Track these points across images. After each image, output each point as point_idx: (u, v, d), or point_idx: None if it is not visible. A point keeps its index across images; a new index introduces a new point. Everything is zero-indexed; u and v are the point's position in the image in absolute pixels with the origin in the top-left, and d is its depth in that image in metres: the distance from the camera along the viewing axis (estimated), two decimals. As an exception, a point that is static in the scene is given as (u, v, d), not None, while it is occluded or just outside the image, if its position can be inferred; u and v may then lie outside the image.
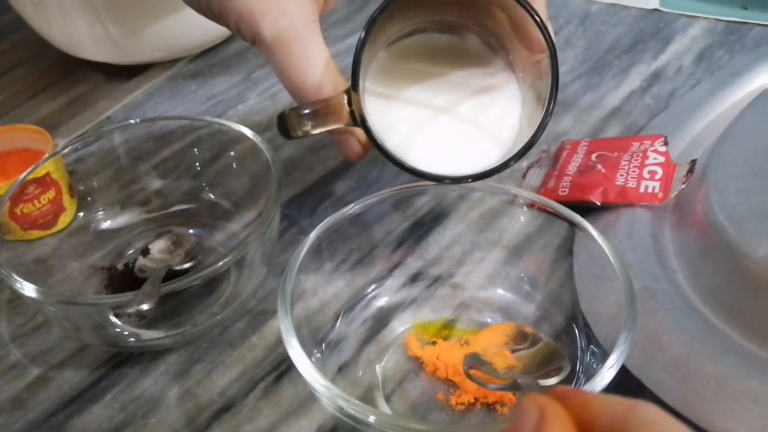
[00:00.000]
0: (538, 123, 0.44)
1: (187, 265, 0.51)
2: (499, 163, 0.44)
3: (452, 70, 0.49)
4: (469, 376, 0.41)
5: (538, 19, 0.42)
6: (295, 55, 0.45)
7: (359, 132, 0.46)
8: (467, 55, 0.49)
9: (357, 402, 0.35)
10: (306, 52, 0.45)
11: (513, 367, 0.42)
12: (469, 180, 0.44)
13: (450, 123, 0.48)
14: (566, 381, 0.41)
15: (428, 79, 0.48)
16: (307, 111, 0.45)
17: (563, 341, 0.44)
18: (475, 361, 0.42)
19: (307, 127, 0.46)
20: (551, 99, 0.44)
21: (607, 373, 0.35)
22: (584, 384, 0.38)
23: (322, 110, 0.45)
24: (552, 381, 0.40)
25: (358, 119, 0.44)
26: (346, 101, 0.44)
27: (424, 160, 0.45)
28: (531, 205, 0.47)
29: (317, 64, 0.45)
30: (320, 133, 0.46)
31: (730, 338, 0.40)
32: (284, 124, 0.46)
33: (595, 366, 0.40)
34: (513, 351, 0.43)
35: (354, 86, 0.43)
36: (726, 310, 0.41)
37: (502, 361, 0.42)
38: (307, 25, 0.46)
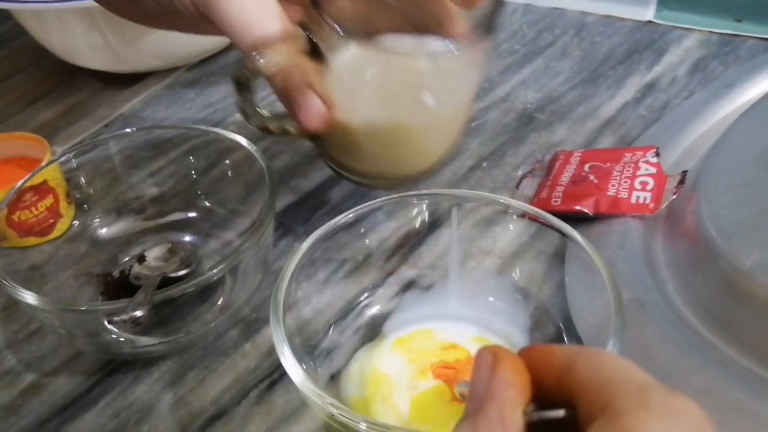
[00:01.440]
0: None
1: (182, 272, 0.51)
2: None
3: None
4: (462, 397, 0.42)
5: None
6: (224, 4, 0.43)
7: (319, 85, 0.44)
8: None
9: (348, 410, 0.35)
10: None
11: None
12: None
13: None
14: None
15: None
16: (254, 52, 0.44)
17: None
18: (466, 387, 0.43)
19: (259, 63, 0.44)
20: None
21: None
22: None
23: (267, 47, 0.43)
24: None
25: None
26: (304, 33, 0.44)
27: None
28: (523, 216, 0.47)
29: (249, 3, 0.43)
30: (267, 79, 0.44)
31: (718, 349, 0.40)
32: (238, 79, 0.46)
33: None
34: None
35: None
36: (715, 321, 0.41)
37: None
38: None
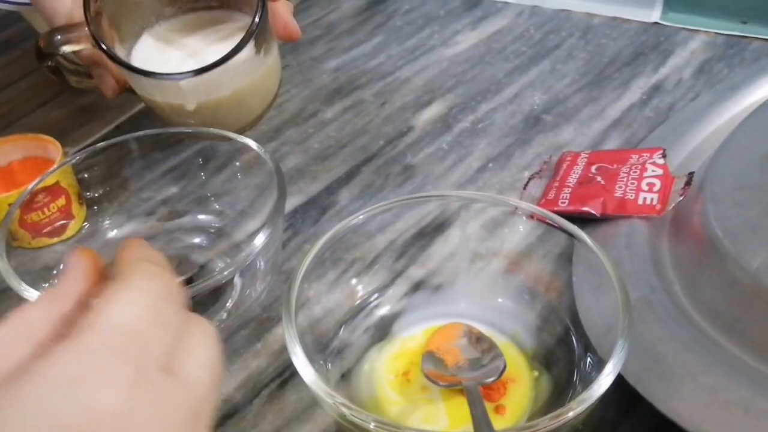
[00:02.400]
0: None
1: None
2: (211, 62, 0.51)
3: (208, 32, 0.58)
4: (425, 375, 0.43)
5: None
6: None
7: (113, 67, 0.55)
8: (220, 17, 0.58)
9: (359, 409, 0.36)
10: None
11: (460, 363, 0.44)
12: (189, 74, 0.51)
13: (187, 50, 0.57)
14: (563, 387, 0.42)
15: (179, 40, 0.58)
16: (57, 34, 0.53)
17: (561, 349, 0.45)
18: (430, 358, 0.44)
19: (55, 47, 0.53)
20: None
21: (603, 381, 0.36)
22: (581, 392, 0.39)
23: (70, 32, 0.53)
24: (491, 379, 0.42)
25: (92, 37, 0.51)
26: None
27: (149, 64, 0.53)
28: (531, 217, 0.48)
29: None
30: (71, 53, 0.54)
31: (724, 349, 0.40)
32: (38, 47, 0.54)
33: (592, 374, 0.41)
34: (461, 348, 0.45)
35: (85, 8, 0.51)
36: (721, 321, 0.42)
37: (452, 358, 0.44)
38: None
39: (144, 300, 0.28)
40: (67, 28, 0.53)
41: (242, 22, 0.57)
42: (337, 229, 0.47)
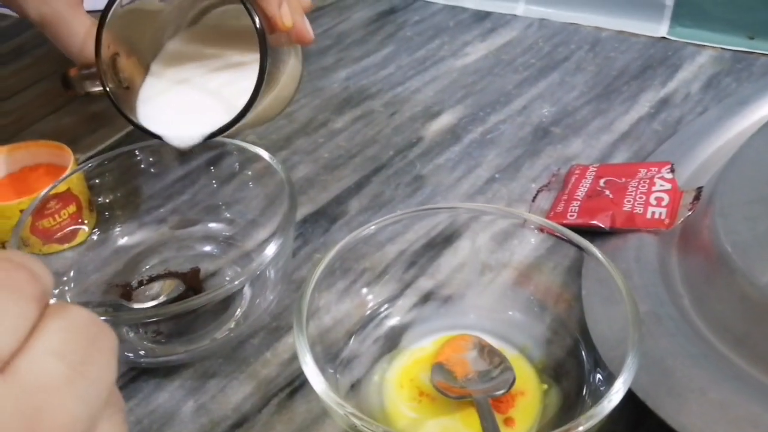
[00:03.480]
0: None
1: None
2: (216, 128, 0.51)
3: (220, 50, 0.56)
4: (434, 386, 0.43)
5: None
6: (61, 32, 0.54)
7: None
8: (238, 35, 0.56)
9: (370, 420, 0.36)
10: (69, 30, 0.54)
11: (469, 375, 0.44)
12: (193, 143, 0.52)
13: (193, 95, 0.55)
14: (572, 401, 0.42)
15: (193, 58, 0.56)
16: (84, 72, 0.54)
17: (571, 363, 0.45)
18: (439, 370, 0.44)
19: (81, 87, 0.54)
20: (260, 74, 0.49)
21: (613, 397, 0.36)
22: (591, 405, 0.39)
23: (90, 72, 0.53)
24: (501, 392, 0.42)
25: (103, 83, 0.51)
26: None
27: (157, 121, 0.53)
28: (540, 230, 0.48)
29: (79, 37, 0.53)
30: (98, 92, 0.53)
31: (733, 364, 0.41)
32: (68, 82, 0.55)
33: (601, 388, 0.41)
34: (470, 360, 0.45)
35: (96, 51, 0.51)
36: (730, 335, 0.42)
37: (462, 370, 0.44)
38: (68, 5, 0.54)
39: None
40: (87, 67, 0.53)
41: (245, 35, 0.55)
42: (348, 239, 0.47)
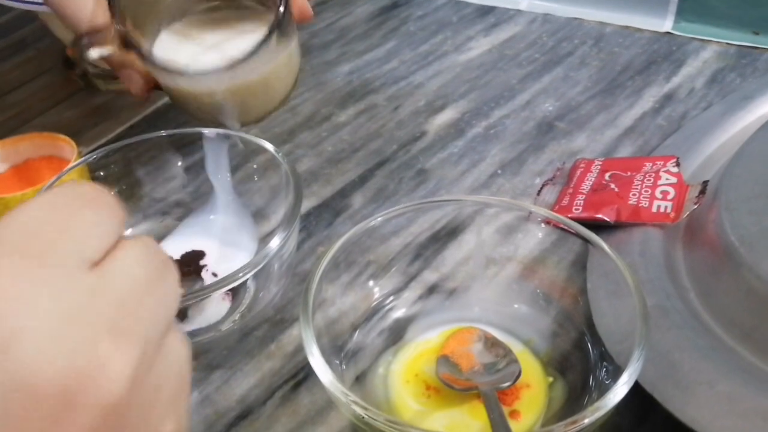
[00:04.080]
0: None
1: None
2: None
3: (230, 22, 0.58)
4: (440, 378, 0.43)
5: None
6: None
7: (140, 66, 0.54)
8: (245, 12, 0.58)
9: (376, 410, 0.36)
10: None
11: (475, 368, 0.44)
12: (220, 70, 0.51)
13: (207, 43, 0.57)
14: (578, 394, 0.42)
15: (202, 27, 0.58)
16: (84, 40, 0.53)
17: (576, 355, 0.45)
18: (445, 362, 0.44)
19: (84, 54, 0.53)
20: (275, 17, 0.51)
21: (620, 390, 0.36)
22: (596, 399, 0.39)
23: (96, 37, 0.52)
24: (507, 384, 0.42)
25: (121, 36, 0.52)
26: (115, 28, 0.52)
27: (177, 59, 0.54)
28: (546, 222, 0.48)
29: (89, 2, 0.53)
30: (101, 59, 0.53)
31: (741, 356, 0.41)
32: (66, 55, 0.55)
33: (607, 381, 0.41)
34: (475, 353, 0.45)
35: (111, 11, 0.51)
36: (737, 328, 0.42)
37: (467, 362, 0.44)
38: None
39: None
40: (93, 33, 0.53)
41: (259, 14, 0.57)
42: (353, 231, 0.47)
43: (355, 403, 0.37)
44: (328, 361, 0.40)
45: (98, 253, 0.24)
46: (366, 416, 0.36)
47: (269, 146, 0.55)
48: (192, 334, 0.49)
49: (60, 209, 0.25)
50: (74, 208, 0.25)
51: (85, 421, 0.22)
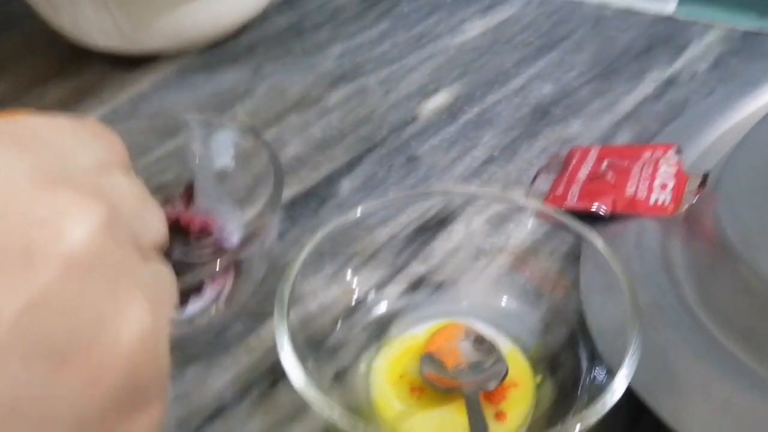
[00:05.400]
0: None
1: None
2: None
3: None
4: (423, 378, 0.42)
5: None
6: None
7: None
8: None
9: (352, 416, 0.34)
10: None
11: (461, 366, 0.42)
12: None
13: None
14: (567, 394, 0.40)
15: None
16: None
17: (566, 354, 0.43)
18: (430, 361, 0.42)
19: None
20: None
21: (609, 399, 0.34)
22: (586, 400, 0.37)
23: None
24: (493, 385, 0.40)
25: None
26: None
27: None
28: (539, 216, 0.46)
29: None
30: None
31: (737, 359, 0.38)
32: None
33: (598, 381, 0.39)
34: (462, 350, 0.44)
35: None
36: (735, 330, 0.40)
37: (453, 360, 0.42)
38: None
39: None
40: None
41: None
42: (338, 221, 0.45)
43: (325, 402, 0.35)
44: (304, 359, 0.38)
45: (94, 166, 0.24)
46: (340, 423, 0.34)
47: (253, 132, 0.53)
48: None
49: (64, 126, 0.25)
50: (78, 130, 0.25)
51: (48, 275, 0.20)
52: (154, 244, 0.26)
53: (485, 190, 0.48)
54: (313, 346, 0.43)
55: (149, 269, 0.25)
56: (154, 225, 0.27)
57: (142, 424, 0.23)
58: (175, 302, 0.27)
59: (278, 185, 0.48)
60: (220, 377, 0.46)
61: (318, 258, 0.44)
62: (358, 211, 0.45)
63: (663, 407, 0.36)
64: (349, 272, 0.47)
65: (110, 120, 0.55)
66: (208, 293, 0.50)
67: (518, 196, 0.47)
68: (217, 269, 0.45)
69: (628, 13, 0.76)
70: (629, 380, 0.35)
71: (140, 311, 0.22)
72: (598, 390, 0.36)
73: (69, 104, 0.71)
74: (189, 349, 0.47)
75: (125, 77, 0.73)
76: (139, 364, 0.22)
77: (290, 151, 0.62)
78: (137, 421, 0.23)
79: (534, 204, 0.46)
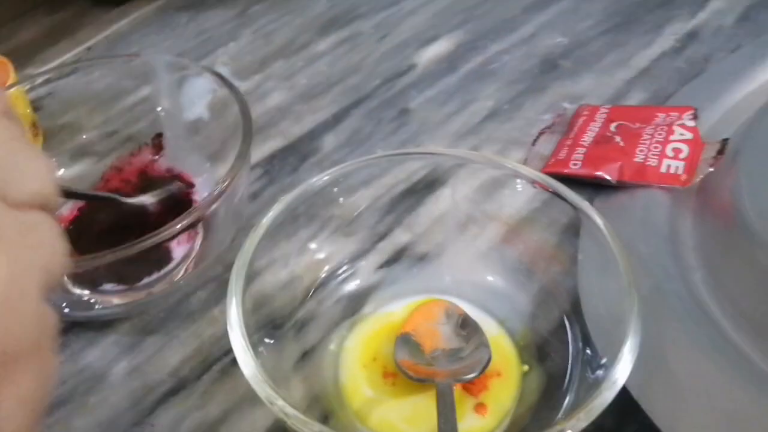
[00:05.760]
0: None
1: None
2: None
3: None
4: (397, 364, 0.37)
5: None
6: None
7: None
8: None
9: (302, 417, 0.30)
10: None
11: (438, 350, 0.38)
12: None
13: None
14: (555, 385, 0.36)
15: None
16: None
17: (556, 341, 0.38)
18: (405, 342, 0.38)
19: None
20: None
21: (601, 400, 0.30)
22: (575, 397, 0.33)
23: None
24: (472, 375, 0.36)
25: None
26: None
27: None
28: (533, 184, 0.41)
29: None
30: None
31: (748, 358, 0.34)
32: None
33: (589, 374, 0.35)
34: (441, 332, 0.39)
35: None
36: (748, 324, 0.35)
37: (431, 342, 0.38)
38: None
39: None
40: None
41: None
42: (315, 180, 0.40)
43: (279, 405, 0.31)
44: (262, 338, 0.34)
45: None
46: (289, 423, 0.30)
47: (229, 81, 0.48)
48: (123, 293, 0.43)
49: None
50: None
51: None
52: (30, 194, 0.23)
53: (478, 153, 0.43)
54: (277, 321, 0.39)
55: (13, 219, 0.22)
56: (31, 174, 0.24)
57: (7, 396, 0.20)
58: (60, 255, 0.23)
59: (247, 138, 0.44)
60: (180, 351, 0.42)
61: (292, 220, 0.40)
62: (338, 170, 0.41)
63: (658, 411, 0.32)
64: (324, 238, 0.43)
65: (84, 59, 0.50)
66: (175, 253, 0.46)
67: (514, 161, 0.42)
68: (182, 226, 0.40)
69: (651, -42, 0.70)
70: (623, 382, 0.30)
71: None
72: (589, 386, 0.32)
73: (42, 43, 0.66)
74: (148, 318, 0.43)
75: (103, 15, 0.68)
76: None
77: (272, 100, 0.57)
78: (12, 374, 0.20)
79: (530, 171, 0.41)
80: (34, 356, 0.21)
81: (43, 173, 0.24)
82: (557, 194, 0.39)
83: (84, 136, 0.52)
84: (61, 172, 0.51)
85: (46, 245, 0.23)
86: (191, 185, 0.49)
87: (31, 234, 0.22)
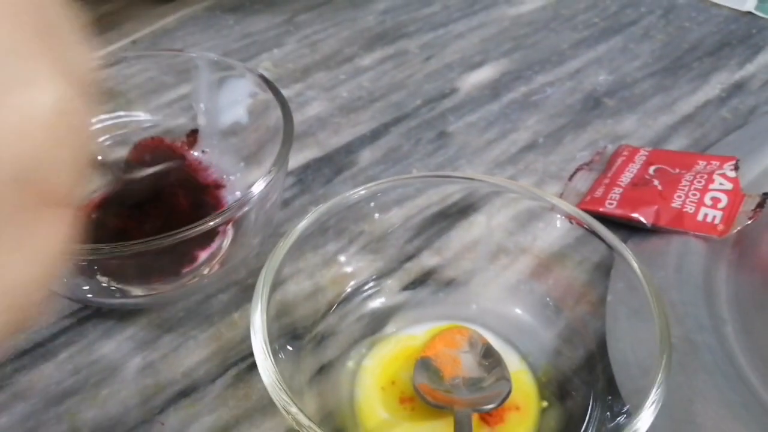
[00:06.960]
0: None
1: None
2: None
3: None
4: (415, 388, 0.37)
5: None
6: None
7: None
8: None
9: (316, 428, 0.29)
10: None
11: (458, 378, 0.37)
12: None
13: None
14: (574, 425, 0.35)
15: None
16: None
17: (579, 381, 0.38)
18: (425, 367, 0.38)
19: None
20: None
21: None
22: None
23: None
24: (491, 406, 0.35)
25: None
26: None
27: None
28: (568, 219, 0.41)
29: None
30: None
31: (779, 421, 0.33)
32: None
33: (609, 421, 0.34)
34: (463, 360, 0.39)
35: None
36: (778, 383, 0.34)
37: (451, 369, 0.38)
38: None
39: None
40: None
41: None
42: (348, 194, 0.40)
43: (289, 412, 0.30)
44: (282, 347, 0.34)
45: None
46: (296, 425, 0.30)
47: (273, 84, 0.47)
48: (147, 284, 0.43)
49: None
50: None
51: None
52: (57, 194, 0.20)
53: (516, 183, 0.43)
54: (298, 332, 0.39)
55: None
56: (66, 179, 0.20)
57: (50, 218, 0.19)
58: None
59: (287, 144, 0.43)
60: (196, 352, 0.41)
61: (321, 232, 0.40)
62: (373, 186, 0.41)
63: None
64: (352, 253, 0.42)
65: (129, 51, 0.50)
66: (203, 253, 0.45)
67: (551, 193, 0.42)
68: (212, 225, 0.40)
69: (704, 5, 0.70)
70: (647, 429, 0.30)
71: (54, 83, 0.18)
72: (607, 428, 0.31)
73: (88, 32, 0.66)
74: (167, 316, 0.43)
75: (151, 11, 0.68)
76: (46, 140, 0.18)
77: (312, 110, 0.57)
78: (44, 213, 0.18)
79: (568, 205, 0.40)
80: (64, 208, 0.19)
81: (76, 180, 0.20)
82: (593, 232, 0.38)
83: (123, 128, 0.52)
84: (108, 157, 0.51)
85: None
86: (221, 185, 0.49)
87: None
